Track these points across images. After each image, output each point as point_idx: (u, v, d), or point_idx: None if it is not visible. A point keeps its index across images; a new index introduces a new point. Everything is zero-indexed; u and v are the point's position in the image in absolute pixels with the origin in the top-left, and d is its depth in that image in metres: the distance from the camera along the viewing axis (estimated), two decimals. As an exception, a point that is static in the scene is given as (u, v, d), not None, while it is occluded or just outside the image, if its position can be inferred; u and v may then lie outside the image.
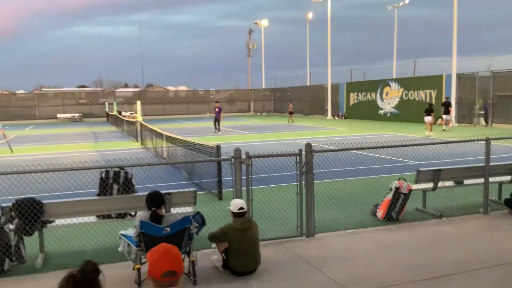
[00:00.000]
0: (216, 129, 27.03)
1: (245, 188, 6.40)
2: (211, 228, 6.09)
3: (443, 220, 7.45)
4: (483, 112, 28.58)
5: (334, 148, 7.43)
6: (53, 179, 6.94)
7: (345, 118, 41.02)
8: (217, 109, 27.79)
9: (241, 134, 26.08)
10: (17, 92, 60.00)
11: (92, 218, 6.30)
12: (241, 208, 5.44)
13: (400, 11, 54.61)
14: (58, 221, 6.15)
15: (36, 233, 5.93)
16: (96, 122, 44.93)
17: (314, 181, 6.80)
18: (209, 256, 5.74)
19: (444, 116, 25.95)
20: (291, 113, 36.85)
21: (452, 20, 29.46)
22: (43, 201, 5.82)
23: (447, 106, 25.83)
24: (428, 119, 23.33)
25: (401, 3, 47.10)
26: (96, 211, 6.19)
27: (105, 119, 46.78)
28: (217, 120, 27.30)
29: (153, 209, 4.99)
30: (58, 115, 48.74)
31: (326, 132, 26.74)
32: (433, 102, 29.19)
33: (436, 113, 24.67)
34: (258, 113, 55.55)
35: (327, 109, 43.77)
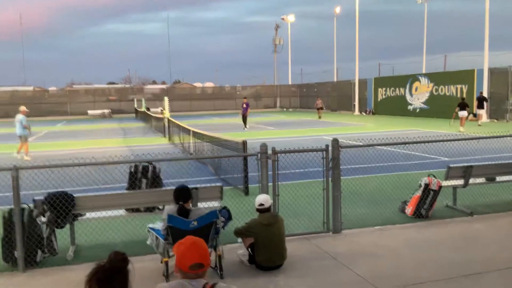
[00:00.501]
0: (244, 126, 27.08)
1: (272, 183, 6.40)
2: (237, 223, 6.13)
3: (474, 218, 7.28)
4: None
5: (361, 144, 7.34)
6: (84, 173, 7.11)
7: (373, 114, 40.47)
8: (244, 105, 27.84)
9: (267, 130, 26.08)
10: (50, 88, 61.54)
11: (121, 212, 6.42)
12: (261, 205, 5.46)
13: (431, 5, 53.42)
14: (89, 214, 6.29)
15: (68, 226, 6.08)
16: (125, 118, 45.67)
17: (341, 177, 6.75)
18: (235, 251, 5.77)
19: (479, 111, 25.54)
20: (320, 108, 36.20)
21: (484, 13, 28.66)
22: (74, 195, 5.97)
23: (481, 100, 25.36)
24: (462, 113, 22.93)
25: (431, -4, 46.11)
26: (125, 204, 6.30)
27: (133, 115, 47.53)
28: (244, 116, 27.36)
29: (180, 203, 5.05)
30: (89, 111, 49.77)
31: (353, 128, 26.46)
32: (465, 97, 28.57)
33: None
34: (285, 109, 55.40)
35: (354, 105, 43.28)
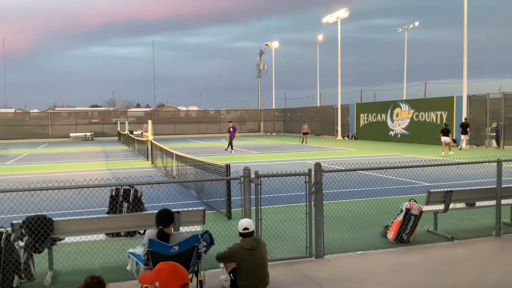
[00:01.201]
0: (230, 148, 27.17)
1: (254, 207, 6.39)
2: (219, 248, 6.07)
3: (454, 243, 7.34)
4: (494, 134, 28.39)
5: (343, 168, 7.40)
6: (63, 196, 7.00)
7: (355, 138, 40.92)
8: (231, 129, 27.97)
9: (251, 154, 26.11)
10: (31, 111, 60.90)
11: (101, 236, 6.31)
12: (246, 229, 5.42)
13: (410, 33, 54.91)
14: (68, 239, 6.17)
15: (46, 251, 5.95)
16: (108, 141, 45.31)
17: (324, 202, 6.77)
18: (217, 276, 5.70)
19: (462, 137, 26.43)
20: (305, 133, 36.29)
21: (462, 42, 29.51)
22: (54, 219, 5.86)
23: (465, 126, 26.16)
24: (445, 139, 23.49)
25: (411, 26, 47.44)
26: (105, 229, 6.20)
27: (116, 138, 47.19)
28: (231, 139, 27.48)
29: (160, 227, 5.00)
30: (71, 134, 49.28)
31: (336, 152, 26.67)
32: (447, 123, 29.25)
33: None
34: (268, 133, 55.66)
35: (337, 130, 43.73)
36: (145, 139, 24.59)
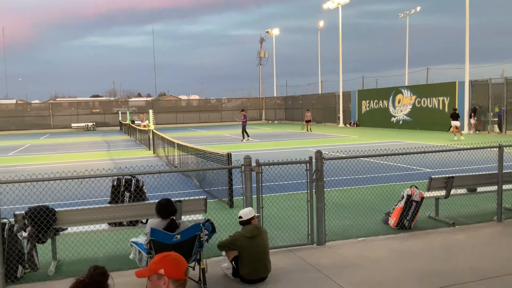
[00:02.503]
0: (246, 136, 27.27)
1: (256, 195, 6.41)
2: (221, 236, 6.11)
3: (456, 228, 7.37)
4: (497, 119, 28.33)
5: (344, 155, 7.40)
6: (65, 187, 7.02)
7: (357, 125, 40.85)
8: (243, 117, 28.00)
9: (252, 142, 26.12)
10: (32, 102, 60.87)
11: (104, 226, 6.35)
12: (240, 217, 5.47)
13: (412, 19, 54.54)
14: (71, 229, 6.22)
15: (49, 241, 5.99)
16: (109, 131, 45.35)
17: (325, 189, 6.78)
18: (219, 264, 5.74)
19: (472, 121, 27.32)
20: (308, 121, 35.90)
21: (464, 27, 29.29)
22: (56, 209, 5.89)
23: (473, 112, 26.73)
24: (455, 123, 23.66)
25: (413, 11, 47.04)
26: (107, 218, 6.24)
27: (118, 128, 47.22)
28: (243, 127, 27.56)
29: (172, 217, 5.04)
30: (72, 124, 49.34)
31: (338, 139, 26.65)
32: (446, 109, 29.43)
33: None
34: (270, 121, 55.60)
35: (339, 117, 43.65)
36: (146, 128, 24.60)
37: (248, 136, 27.35)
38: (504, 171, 7.71)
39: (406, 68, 48.50)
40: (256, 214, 5.66)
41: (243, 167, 6.37)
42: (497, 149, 7.64)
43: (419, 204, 7.40)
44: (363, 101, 41.12)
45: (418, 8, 47.12)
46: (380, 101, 38.77)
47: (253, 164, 6.38)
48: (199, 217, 6.39)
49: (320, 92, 53.72)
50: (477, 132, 28.00)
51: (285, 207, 8.41)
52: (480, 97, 29.09)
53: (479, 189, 8.16)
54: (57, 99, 73.70)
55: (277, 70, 63.56)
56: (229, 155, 9.12)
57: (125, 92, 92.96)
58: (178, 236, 4.86)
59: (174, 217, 5.13)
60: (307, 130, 34.94)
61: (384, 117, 37.67)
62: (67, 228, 6.17)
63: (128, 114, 41.64)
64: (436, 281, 5.21)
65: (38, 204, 5.96)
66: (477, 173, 8.60)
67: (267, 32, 63.11)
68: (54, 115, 50.23)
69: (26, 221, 5.67)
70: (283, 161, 6.73)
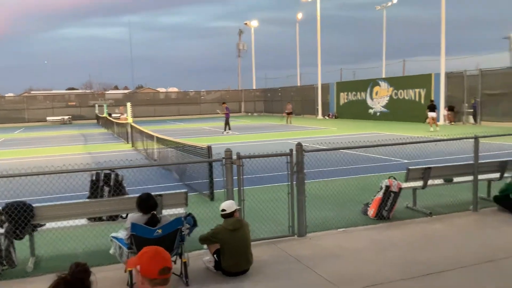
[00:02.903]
0: (228, 129, 27.23)
1: (237, 188, 6.41)
2: (203, 229, 6.10)
3: (433, 218, 7.52)
4: (472, 110, 28.92)
5: (324, 147, 7.47)
6: (43, 182, 6.90)
7: (336, 117, 41.16)
8: (225, 110, 27.95)
9: (233, 135, 26.08)
10: (6, 95, 59.42)
11: (83, 221, 6.28)
12: (223, 210, 5.47)
13: (389, 11, 55.14)
14: (49, 224, 6.12)
15: (27, 237, 5.89)
16: (86, 124, 44.66)
17: (305, 181, 6.83)
18: (201, 257, 5.74)
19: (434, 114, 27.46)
20: (289, 113, 35.62)
21: (440, 19, 29.70)
22: (34, 205, 5.79)
23: (451, 106, 27.57)
24: (431, 114, 24.13)
25: (390, 3, 47.47)
26: (87, 213, 6.16)
27: (95, 121, 46.53)
28: (227, 120, 27.55)
29: (152, 212, 5.00)
30: (48, 118, 48.39)
31: (317, 131, 26.82)
32: (422, 101, 30.05)
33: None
34: (249, 114, 55.58)
35: (317, 109, 43.88)
36: (124, 121, 24.31)
37: (229, 129, 27.32)
38: (479, 161, 7.88)
39: (383, 60, 49.00)
40: (238, 207, 5.67)
41: (224, 160, 6.36)
42: (473, 140, 7.81)
43: (397, 195, 7.53)
44: (342, 93, 41.43)
45: (395, 0, 47.57)
46: (358, 93, 39.13)
47: (234, 157, 6.38)
48: (180, 211, 6.37)
49: (299, 84, 53.86)
50: (452, 123, 28.59)
51: (266, 199, 8.44)
52: (455, 89, 29.62)
53: (455, 179, 8.34)
54: (32, 92, 72.11)
55: (256, 62, 63.45)
56: (209, 148, 9.09)
57: (102, 85, 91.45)
58: (160, 231, 4.84)
59: (155, 212, 5.09)
60: (287, 122, 34.90)
61: (362, 109, 38.05)
62: (45, 224, 6.07)
63: (105, 107, 41.03)
64: (415, 270, 5.32)
65: (15, 200, 5.84)
66: (453, 163, 8.77)
67: (246, 24, 62.86)
68: (28, 109, 49.18)
69: (3, 217, 5.56)
70: (264, 154, 6.75)
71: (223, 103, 30.35)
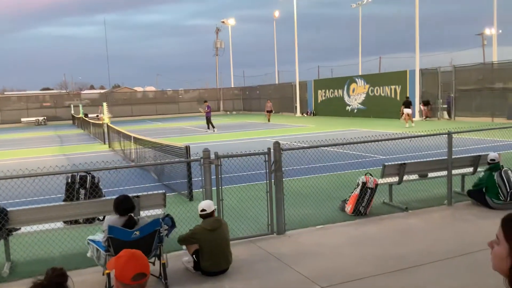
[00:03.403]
0: (212, 128, 27.16)
1: (215, 188, 6.41)
2: (182, 229, 6.08)
3: (409, 213, 7.65)
4: (446, 106, 29.47)
5: (302, 145, 7.52)
6: (17, 185, 6.77)
7: (314, 115, 41.42)
8: (206, 108, 27.84)
9: (211, 134, 26.00)
10: (-22, 96, 57.96)
11: (59, 224, 6.18)
12: (203, 210, 5.46)
13: (364, 9, 55.59)
14: (24, 229, 6.01)
15: (1, 242, 5.78)
16: (62, 125, 43.90)
17: (284, 179, 6.87)
18: (180, 258, 5.72)
19: (423, 108, 28.64)
20: (269, 111, 35.41)
21: (414, 16, 30.16)
22: (8, 209, 5.67)
23: (426, 100, 27.87)
24: (407, 111, 24.76)
25: (365, 1, 47.93)
26: (63, 216, 6.07)
27: (70, 122, 45.79)
28: (208, 119, 27.45)
29: (129, 214, 4.95)
30: (22, 119, 47.41)
31: (296, 129, 26.96)
32: (398, 97, 30.54)
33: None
34: (228, 112, 55.47)
35: (296, 107, 44.08)
36: (101, 122, 24.00)
37: (213, 127, 27.24)
38: (453, 156, 8.05)
39: (359, 57, 49.54)
40: (214, 207, 5.67)
41: (202, 160, 6.35)
42: (447, 135, 7.97)
43: (374, 191, 7.63)
44: (319, 91, 41.71)
45: (370, -2, 48.04)
46: (336, 91, 39.46)
47: (212, 156, 6.37)
48: (158, 212, 6.33)
49: (277, 82, 54.02)
50: (427, 119, 29.15)
51: (245, 198, 8.46)
52: (430, 85, 30.15)
53: (430, 174, 8.50)
54: (5, 93, 70.48)
55: (234, 61, 63.40)
56: (187, 148, 9.06)
57: (77, 85, 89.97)
58: (137, 233, 4.81)
59: (132, 214, 5.06)
60: (268, 120, 34.80)
61: (339, 106, 38.39)
62: (20, 228, 5.96)
63: (81, 107, 40.43)
64: (393, 264, 5.41)
65: (-12, 205, 5.72)
66: (428, 159, 8.94)
67: (223, 22, 62.73)
68: (2, 110, 48.07)
69: (-25, 223, 5.43)
70: (241, 153, 6.76)
71: (205, 101, 30.30)
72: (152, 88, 71.39)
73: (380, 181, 7.87)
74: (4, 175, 5.74)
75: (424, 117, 29.30)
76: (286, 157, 7.03)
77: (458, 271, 5.24)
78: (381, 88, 34.08)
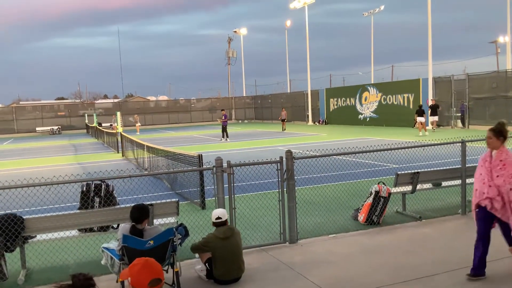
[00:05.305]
0: (226, 137, 27.31)
1: (228, 196, 6.44)
2: (194, 238, 6.12)
3: (422, 222, 7.59)
4: (460, 114, 29.20)
5: (314, 154, 7.53)
6: (33, 194, 6.88)
7: (326, 123, 41.35)
8: (223, 117, 28.06)
9: (223, 143, 26.09)
10: (-6, 106, 58.95)
11: (74, 232, 6.26)
12: (218, 218, 5.49)
13: (376, 17, 55.55)
14: (40, 236, 6.09)
15: (18, 249, 5.86)
16: (76, 134, 44.42)
17: (296, 187, 6.88)
18: (193, 266, 5.75)
19: (431, 118, 27.26)
20: (283, 120, 35.31)
21: (427, 24, 30.06)
22: (24, 217, 5.77)
23: (434, 108, 26.88)
24: (420, 119, 24.61)
25: (377, 10, 47.98)
26: (78, 224, 6.14)
27: (85, 131, 46.30)
28: (224, 127, 27.61)
29: (132, 223, 5.01)
30: (37, 128, 48.08)
31: (308, 138, 26.93)
32: (411, 106, 30.26)
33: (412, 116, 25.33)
34: (240, 121, 55.63)
35: (308, 115, 44.07)
36: (114, 131, 24.24)
37: (227, 136, 27.34)
38: (467, 165, 7.99)
39: (371, 66, 49.51)
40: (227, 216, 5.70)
41: (214, 168, 6.39)
42: (460, 144, 7.92)
43: (387, 200, 7.60)
44: (331, 99, 41.67)
45: (382, 7, 48.12)
46: (348, 99, 39.38)
47: (225, 165, 6.41)
48: (171, 220, 6.38)
49: (289, 91, 54.17)
50: (434, 129, 27.38)
51: (257, 206, 8.47)
52: (443, 93, 29.92)
53: (444, 183, 8.43)
54: (21, 103, 71.58)
55: (245, 70, 63.69)
56: (200, 157, 9.12)
57: (91, 94, 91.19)
58: (151, 242, 4.85)
59: (141, 223, 5.08)
60: (283, 129, 34.74)
61: (351, 115, 38.29)
62: (36, 236, 6.05)
63: (95, 117, 40.88)
64: (406, 274, 5.38)
65: (5, 212, 5.82)
66: (441, 168, 8.88)
67: (235, 31, 63.13)
68: (17, 119, 48.81)
69: (-7, 230, 5.52)
70: (254, 161, 6.79)
71: (222, 110, 30.53)
72: (165, 97, 71.95)
73: (393, 190, 7.83)
74: (21, 183, 5.84)
75: (433, 128, 27.42)
76: (298, 165, 7.04)
77: (472, 281, 5.19)
78: (394, 96, 33.94)
